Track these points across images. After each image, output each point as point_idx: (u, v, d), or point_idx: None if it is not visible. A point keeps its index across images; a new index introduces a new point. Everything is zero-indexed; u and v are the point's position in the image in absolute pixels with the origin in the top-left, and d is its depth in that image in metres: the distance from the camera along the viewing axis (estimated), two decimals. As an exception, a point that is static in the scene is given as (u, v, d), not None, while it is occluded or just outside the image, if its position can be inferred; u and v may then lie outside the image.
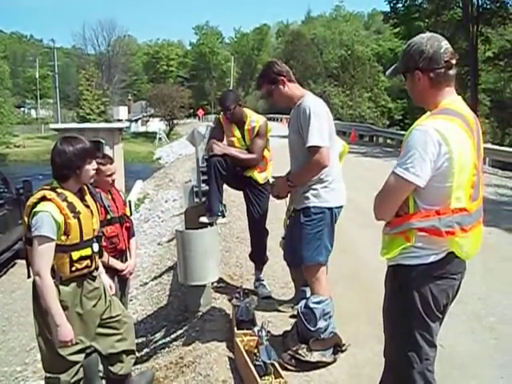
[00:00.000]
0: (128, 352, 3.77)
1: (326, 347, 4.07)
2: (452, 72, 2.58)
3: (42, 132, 58.61)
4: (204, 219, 5.17)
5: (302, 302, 4.10)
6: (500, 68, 33.23)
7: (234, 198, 10.24)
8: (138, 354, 4.90)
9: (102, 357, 3.76)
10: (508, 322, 5.01)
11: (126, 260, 4.59)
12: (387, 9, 35.77)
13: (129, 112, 65.05)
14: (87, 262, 3.37)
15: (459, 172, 2.45)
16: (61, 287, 3.28)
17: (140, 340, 5.43)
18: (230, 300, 5.31)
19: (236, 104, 5.30)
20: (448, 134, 2.41)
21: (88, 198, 3.48)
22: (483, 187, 2.72)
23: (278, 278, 6.16)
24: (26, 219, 3.28)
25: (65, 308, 3.28)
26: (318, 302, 3.99)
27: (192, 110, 66.60)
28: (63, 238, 3.22)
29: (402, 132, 29.14)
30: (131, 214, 4.87)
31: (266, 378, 3.56)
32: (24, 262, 3.53)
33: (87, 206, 3.40)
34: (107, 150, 18.55)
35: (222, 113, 5.44)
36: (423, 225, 2.48)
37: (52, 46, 69.27)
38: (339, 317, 4.35)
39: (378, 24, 78.86)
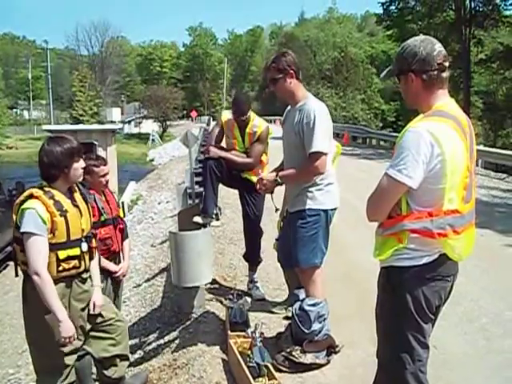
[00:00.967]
0: (121, 356, 3.76)
1: (319, 349, 4.07)
2: (445, 74, 2.59)
3: (35, 133, 58.34)
4: (198, 219, 5.16)
5: (297, 304, 4.09)
6: (492, 70, 33.33)
7: (227, 200, 10.25)
8: (131, 356, 4.90)
9: (95, 360, 3.75)
10: (500, 324, 5.03)
11: (120, 262, 4.58)
12: (380, 11, 35.91)
13: (122, 113, 65.10)
14: (75, 262, 3.34)
15: (452, 174, 2.45)
16: None
17: (133, 342, 5.42)
18: (223, 302, 5.31)
19: (250, 107, 5.34)
20: (441, 135, 2.42)
21: (78, 197, 3.47)
22: (476, 189, 2.73)
23: (271, 279, 6.16)
24: (14, 217, 3.28)
25: None
26: (313, 305, 4.00)
27: (185, 112, 66.59)
28: (49, 236, 3.21)
29: (395, 134, 29.21)
30: (124, 216, 4.86)
31: (260, 379, 3.57)
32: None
33: (76, 206, 3.39)
34: (100, 152, 18.51)
35: (232, 114, 5.36)
36: (415, 226, 2.48)
37: (45, 47, 69.35)
38: (333, 318, 4.35)
39: (371, 26, 79.01)
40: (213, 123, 24.69)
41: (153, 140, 52.02)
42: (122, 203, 14.40)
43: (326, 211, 4.05)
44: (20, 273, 3.41)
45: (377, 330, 2.79)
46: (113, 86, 76.60)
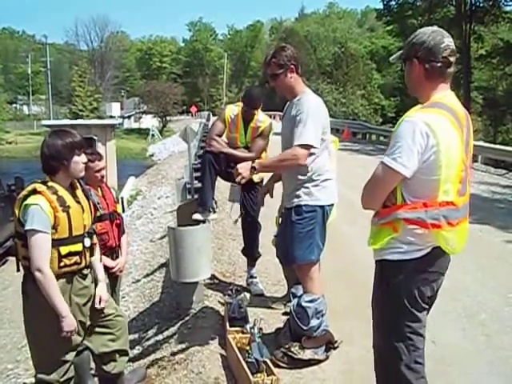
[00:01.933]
0: (121, 352, 3.76)
1: (318, 345, 4.07)
2: (449, 70, 2.61)
3: (35, 128, 58.22)
4: (197, 216, 5.15)
5: (295, 301, 4.08)
6: (493, 66, 33.35)
7: (226, 195, 10.22)
8: (130, 351, 4.90)
9: (94, 355, 3.75)
10: (498, 319, 5.03)
11: (117, 257, 4.57)
12: (380, 6, 35.91)
13: (121, 108, 64.95)
14: (76, 258, 3.34)
15: (447, 166, 2.47)
16: None
17: (132, 337, 5.42)
18: (222, 297, 5.31)
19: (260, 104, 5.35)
20: (436, 127, 2.44)
21: (79, 193, 3.46)
22: (471, 184, 2.76)
23: (270, 275, 6.16)
24: (16, 212, 3.27)
25: None
26: (311, 301, 3.98)
27: (185, 107, 66.47)
28: (52, 231, 3.20)
29: (395, 129, 29.23)
30: (123, 211, 4.85)
31: (259, 375, 3.57)
32: (15, 258, 3.51)
33: (78, 202, 3.38)
34: (100, 147, 18.53)
35: (243, 106, 5.34)
36: (410, 216, 2.50)
37: (44, 42, 68.74)
38: (331, 314, 4.35)
39: (372, 21, 78.89)
40: (213, 118, 24.64)
41: (152, 135, 52.03)
42: (122, 198, 14.45)
43: (322, 207, 4.01)
44: (21, 268, 3.40)
45: (373, 322, 2.82)
46: (112, 81, 76.54)
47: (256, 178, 5.42)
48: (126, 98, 77.52)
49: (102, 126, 20.39)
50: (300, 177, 4.00)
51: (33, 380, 4.29)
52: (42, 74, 78.57)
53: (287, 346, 4.05)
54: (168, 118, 57.61)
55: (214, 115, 39.91)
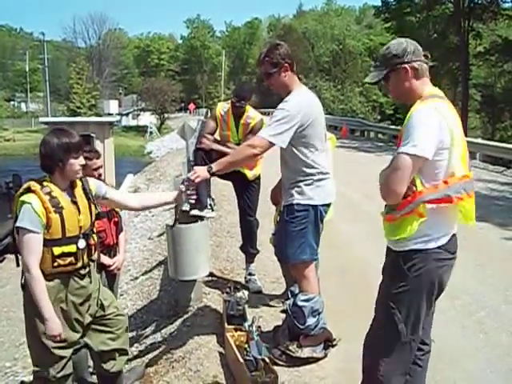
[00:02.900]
0: (121, 350, 3.75)
1: (316, 343, 4.06)
2: (427, 65, 2.85)
3: (32, 126, 58.19)
4: (195, 212, 5.14)
5: (291, 300, 4.07)
6: (491, 63, 33.34)
7: (224, 193, 10.23)
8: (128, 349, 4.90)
9: (93, 353, 3.74)
10: (497, 317, 5.04)
11: (115, 255, 4.56)
12: (379, 3, 35.82)
13: (119, 106, 64.90)
14: (71, 259, 3.31)
15: (457, 144, 2.67)
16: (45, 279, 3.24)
17: (130, 335, 5.39)
18: (220, 295, 5.30)
19: (250, 97, 5.35)
20: (443, 111, 2.66)
21: (79, 193, 3.42)
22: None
23: (268, 272, 6.15)
24: (14, 209, 3.27)
25: (50, 299, 3.25)
26: (307, 300, 3.96)
27: (183, 104, 66.43)
28: (44, 231, 3.18)
29: (393, 127, 29.24)
30: (121, 209, 4.84)
31: (257, 373, 3.56)
32: (14, 256, 3.50)
33: (74, 203, 3.35)
34: (97, 144, 18.46)
35: (233, 97, 5.34)
36: (435, 196, 2.64)
37: (42, 39, 68.57)
38: (329, 312, 4.34)
39: (370, 18, 78.71)
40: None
41: (150, 133, 51.99)
42: (120, 196, 14.40)
43: (315, 207, 3.95)
44: (21, 263, 3.40)
45: (376, 302, 3.00)
46: (110, 79, 76.42)
47: (251, 175, 5.43)
48: (123, 95, 77.44)
49: (99, 124, 20.27)
50: (294, 175, 3.98)
51: (31, 378, 4.28)
52: (39, 71, 78.60)
53: (285, 345, 4.04)
54: (166, 115, 57.55)
55: (211, 112, 39.83)
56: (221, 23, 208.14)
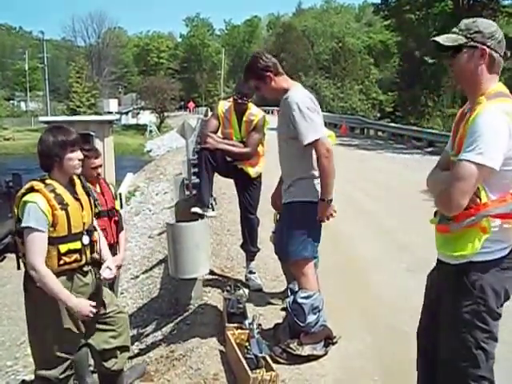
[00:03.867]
0: (122, 348, 3.75)
1: (316, 340, 4.06)
2: (502, 63, 2.57)
3: (32, 125, 58.10)
4: (196, 209, 5.14)
5: (291, 298, 4.07)
6: (490, 60, 33.29)
7: (224, 191, 10.23)
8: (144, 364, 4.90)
9: (94, 352, 3.74)
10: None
11: (116, 254, 4.56)
12: (378, 1, 35.76)
13: (119, 104, 64.84)
14: (76, 255, 3.33)
15: None
16: None
17: (131, 333, 5.38)
18: (220, 293, 5.30)
19: (252, 94, 5.34)
20: (510, 113, 2.37)
21: (79, 190, 3.44)
22: None
23: (269, 270, 6.15)
24: (15, 210, 3.27)
25: (52, 301, 3.26)
26: (306, 297, 3.96)
27: (183, 103, 66.46)
28: (50, 229, 3.19)
29: (393, 124, 29.24)
30: (122, 207, 4.84)
31: (258, 371, 3.56)
32: (14, 255, 3.50)
33: (77, 199, 3.37)
34: (97, 143, 18.48)
35: (235, 94, 5.35)
36: (501, 210, 2.41)
37: (41, 38, 68.52)
38: (330, 309, 4.34)
39: (369, 16, 78.66)
40: (210, 114, 24.64)
41: (150, 131, 51.96)
42: (120, 195, 14.43)
43: (316, 204, 3.96)
44: (22, 265, 3.40)
45: (441, 329, 2.66)
46: (110, 77, 76.36)
47: (253, 172, 5.43)
48: (123, 93, 77.43)
49: (99, 122, 20.33)
50: (294, 173, 3.99)
51: (32, 377, 4.29)
52: (39, 70, 78.41)
53: (286, 343, 4.04)
54: (166, 113, 57.51)
55: (211, 111, 39.85)
56: (220, 21, 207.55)
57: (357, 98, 48.99)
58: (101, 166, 4.51)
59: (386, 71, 56.88)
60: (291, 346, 4.01)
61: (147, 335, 5.32)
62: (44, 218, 3.15)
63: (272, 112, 33.43)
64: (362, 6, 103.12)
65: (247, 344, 3.82)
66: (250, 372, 3.49)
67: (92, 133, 18.96)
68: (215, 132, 5.40)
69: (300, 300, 3.95)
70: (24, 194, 3.22)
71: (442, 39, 2.58)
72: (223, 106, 5.48)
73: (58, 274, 3.26)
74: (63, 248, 3.25)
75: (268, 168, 5.57)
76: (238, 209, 5.82)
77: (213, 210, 5.32)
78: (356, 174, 12.85)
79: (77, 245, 3.33)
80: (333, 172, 3.87)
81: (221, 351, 4.24)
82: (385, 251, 6.76)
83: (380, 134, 28.56)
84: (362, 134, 30.10)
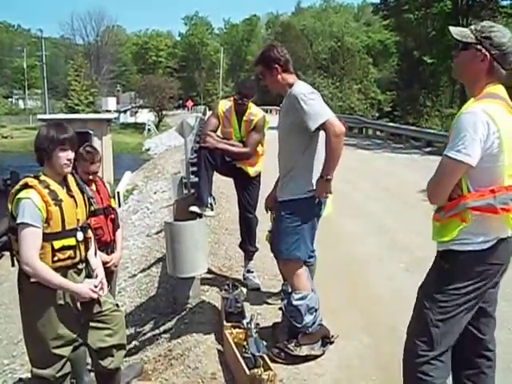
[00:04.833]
0: (118, 346, 3.74)
1: (314, 340, 4.05)
2: (508, 75, 2.67)
3: (30, 123, 58.12)
4: (195, 208, 5.13)
5: (285, 300, 4.05)
6: (489, 60, 33.35)
7: (223, 190, 10.22)
8: (127, 347, 4.89)
9: (91, 350, 3.73)
10: (496, 314, 5.02)
11: (112, 252, 4.56)
12: (377, 0, 35.87)
13: (117, 103, 64.69)
14: (70, 252, 3.32)
15: (509, 151, 2.55)
16: None
17: (128, 332, 5.40)
18: (218, 292, 5.30)
19: (253, 95, 5.34)
20: (495, 115, 2.51)
21: (73, 188, 3.44)
22: None
23: (267, 269, 6.14)
24: (9, 207, 3.26)
25: (47, 299, 3.26)
26: (301, 298, 3.93)
27: (181, 101, 66.41)
28: (44, 225, 3.18)
29: (392, 124, 29.25)
30: (120, 206, 4.84)
31: (255, 370, 3.55)
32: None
33: (71, 196, 3.37)
34: (95, 141, 18.47)
35: (236, 94, 5.33)
36: (479, 204, 2.55)
37: (40, 36, 68.40)
38: (327, 309, 4.34)
39: (368, 16, 78.77)
40: (209, 113, 24.53)
41: (148, 130, 51.95)
42: (118, 193, 14.43)
43: (312, 203, 3.93)
44: (16, 263, 3.39)
45: (415, 306, 2.87)
46: (108, 76, 76.30)
47: (252, 171, 5.42)
48: (121, 92, 77.21)
49: (97, 121, 20.35)
50: (294, 166, 3.95)
51: (29, 375, 4.27)
52: (37, 68, 78.24)
53: (284, 343, 4.04)
54: (164, 112, 57.51)
55: (210, 109, 39.85)
56: (219, 20, 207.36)
57: (355, 97, 48.94)
58: (96, 173, 4.50)
59: (385, 71, 56.99)
60: (289, 346, 4.01)
61: (145, 334, 5.32)
62: (38, 214, 3.14)
63: (270, 111, 33.44)
64: (361, 5, 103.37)
65: (245, 343, 3.82)
66: (247, 371, 3.49)
67: (90, 131, 18.95)
68: (215, 131, 5.39)
69: (295, 302, 3.93)
70: (18, 191, 3.22)
71: (454, 31, 2.73)
72: (224, 105, 5.46)
73: None
74: (57, 244, 3.24)
75: (267, 168, 5.57)
76: (236, 208, 5.82)
77: (212, 209, 5.31)
78: (354, 173, 12.84)
79: (71, 241, 3.31)
80: (339, 153, 3.85)
81: (219, 350, 4.24)
82: (383, 251, 6.76)
83: (378, 133, 28.55)
84: (360, 133, 30.09)
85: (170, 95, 55.23)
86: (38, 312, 3.29)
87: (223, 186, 10.07)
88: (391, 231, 7.83)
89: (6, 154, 41.52)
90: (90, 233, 3.55)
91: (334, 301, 4.97)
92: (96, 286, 3.37)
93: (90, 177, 4.45)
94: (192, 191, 5.94)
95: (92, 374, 4.11)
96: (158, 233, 9.53)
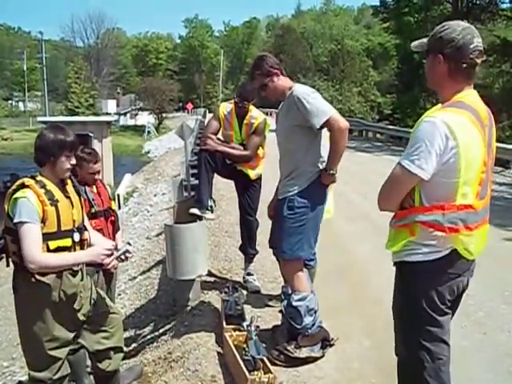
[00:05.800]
0: (116, 349, 3.74)
1: (314, 342, 4.05)
2: (474, 70, 2.53)
3: (30, 125, 58.13)
4: (195, 210, 5.13)
5: (285, 302, 4.05)
6: (489, 63, 33.32)
7: (223, 193, 10.22)
8: (126, 349, 4.88)
9: (89, 353, 3.73)
10: (496, 317, 5.03)
11: (112, 254, 4.55)
12: (377, 3, 35.91)
13: (117, 105, 64.90)
14: (66, 253, 3.33)
15: (466, 168, 2.39)
16: (38, 277, 3.22)
17: (128, 334, 5.41)
18: (218, 295, 5.29)
19: (253, 98, 5.34)
20: (457, 127, 2.36)
21: (70, 189, 3.45)
22: (491, 185, 2.67)
23: (267, 272, 6.14)
24: (6, 207, 3.26)
25: (42, 299, 3.26)
26: (301, 299, 3.94)
27: (181, 104, 66.44)
28: (40, 225, 3.18)
29: (392, 127, 29.26)
30: (120, 208, 4.84)
31: (255, 372, 3.56)
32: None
33: (68, 197, 3.37)
34: (95, 144, 18.48)
35: (236, 97, 5.33)
36: (427, 219, 2.44)
37: (40, 39, 68.51)
38: (328, 311, 4.34)
39: (368, 18, 78.83)
40: (209, 115, 24.54)
41: (148, 132, 51.99)
42: (118, 196, 14.42)
43: (315, 202, 3.95)
44: (11, 264, 3.39)
45: (394, 327, 2.75)
46: (108, 78, 76.43)
47: (253, 174, 5.42)
48: (121, 94, 77.30)
49: (97, 123, 20.36)
50: (297, 167, 3.95)
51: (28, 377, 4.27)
52: (37, 70, 78.43)
53: (283, 345, 4.04)
54: (164, 114, 57.56)
55: (210, 112, 39.90)
56: (219, 23, 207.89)
57: (355, 100, 48.98)
58: (99, 172, 4.52)
59: (385, 73, 56.94)
60: (289, 348, 4.00)
61: (144, 336, 5.31)
62: (36, 211, 3.15)
63: (270, 114, 33.38)
64: (361, 8, 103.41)
65: (245, 346, 3.81)
66: (247, 374, 3.49)
67: (90, 134, 18.95)
68: (216, 133, 5.40)
69: (295, 303, 3.94)
70: (15, 191, 3.23)
71: (413, 44, 2.71)
72: (225, 107, 5.46)
73: (47, 272, 3.25)
74: (53, 245, 3.24)
75: (268, 170, 5.57)
76: (236, 211, 5.82)
77: (212, 212, 5.30)
78: (354, 176, 12.84)
79: (67, 242, 3.31)
80: (343, 148, 3.91)
81: (218, 353, 4.23)
82: (383, 253, 6.72)
83: (378, 136, 28.60)
84: (360, 136, 30.16)
85: (169, 98, 55.32)
86: (33, 313, 3.29)
87: (223, 189, 10.07)
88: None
89: (6, 156, 41.57)
90: (86, 235, 3.54)
91: (333, 303, 4.97)
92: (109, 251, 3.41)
93: (96, 176, 4.46)
94: (192, 193, 5.94)
95: (92, 377, 4.10)
96: (157, 235, 9.52)
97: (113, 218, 4.58)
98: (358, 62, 53.14)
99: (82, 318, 3.51)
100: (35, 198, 3.17)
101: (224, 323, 4.33)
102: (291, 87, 4.03)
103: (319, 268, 4.73)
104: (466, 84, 2.53)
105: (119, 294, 6.79)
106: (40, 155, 3.31)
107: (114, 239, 4.57)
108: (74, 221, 3.37)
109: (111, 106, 59.89)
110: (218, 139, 5.39)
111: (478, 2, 31.30)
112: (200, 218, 5.14)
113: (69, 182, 3.48)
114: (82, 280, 3.49)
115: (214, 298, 5.36)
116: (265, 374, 3.55)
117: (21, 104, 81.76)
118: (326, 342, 4.16)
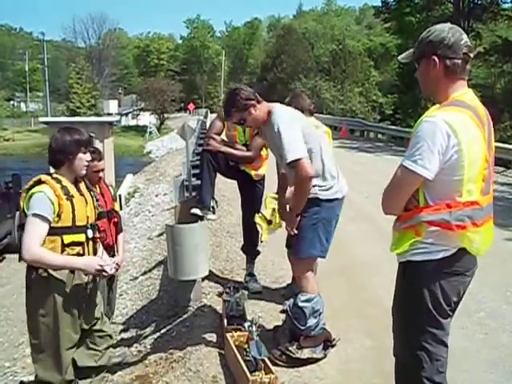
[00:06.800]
0: (100, 368, 3.72)
1: (316, 344, 4.05)
2: (468, 66, 2.55)
3: (32, 125, 58.28)
4: (196, 210, 5.12)
5: (291, 301, 4.06)
6: (491, 63, 33.31)
7: (224, 193, 10.22)
8: (127, 350, 4.90)
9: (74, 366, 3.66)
10: (497, 317, 5.03)
11: (114, 255, 4.55)
12: (379, 3, 35.91)
13: (119, 106, 64.80)
14: (79, 248, 3.35)
15: (469, 165, 2.40)
16: (51, 272, 3.25)
17: (130, 335, 5.41)
18: (220, 295, 5.29)
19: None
20: (457, 125, 2.36)
21: (83, 188, 3.53)
22: (493, 182, 2.67)
23: (268, 272, 6.15)
24: (21, 204, 3.31)
25: (55, 294, 3.27)
26: (307, 300, 3.94)
27: (183, 104, 66.40)
28: (56, 219, 3.23)
29: (393, 127, 29.30)
30: (121, 208, 4.85)
31: (257, 373, 3.56)
32: (13, 256, 3.50)
33: (81, 195, 3.45)
34: (97, 144, 18.45)
35: None
36: (433, 218, 2.43)
37: (42, 39, 68.57)
38: (329, 312, 4.33)
39: (370, 19, 78.88)
40: (210, 115, 24.54)
41: (150, 132, 51.98)
42: (119, 196, 14.42)
43: (327, 201, 3.96)
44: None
45: (393, 327, 2.74)
46: (110, 78, 76.46)
47: (256, 175, 5.41)
48: (123, 95, 77.37)
49: (99, 124, 20.30)
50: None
51: (30, 378, 4.27)
52: (39, 71, 78.57)
53: (285, 346, 4.04)
54: (166, 115, 57.52)
55: (211, 112, 39.94)
56: (221, 23, 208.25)
57: (357, 100, 48.98)
58: (103, 169, 4.53)
59: (386, 74, 56.92)
60: (290, 349, 4.00)
61: (146, 337, 5.30)
62: (50, 206, 3.20)
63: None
64: (362, 8, 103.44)
65: (246, 346, 3.81)
66: (248, 374, 3.49)
67: (92, 134, 18.93)
68: (219, 134, 5.39)
69: (301, 304, 3.94)
70: (31, 187, 3.29)
71: (400, 56, 2.76)
72: None
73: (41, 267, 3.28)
74: (67, 239, 3.29)
75: (271, 171, 5.56)
76: (237, 211, 5.82)
77: (213, 212, 5.29)
78: (356, 176, 12.81)
79: (80, 237, 3.37)
80: (304, 197, 3.82)
81: (220, 353, 4.23)
82: (385, 254, 6.71)
83: (380, 136, 28.60)
84: (361, 136, 30.15)
85: (171, 98, 55.26)
86: (44, 311, 3.31)
87: (225, 189, 10.07)
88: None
89: (8, 157, 41.61)
90: (99, 232, 3.61)
91: (335, 304, 4.96)
92: (102, 266, 3.34)
93: (100, 174, 4.48)
94: (194, 194, 5.93)
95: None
96: (159, 235, 9.52)
97: (116, 219, 4.59)
98: (359, 63, 53.17)
99: (83, 325, 3.52)
100: (52, 192, 3.23)
101: (225, 324, 4.33)
102: (269, 111, 3.95)
103: (320, 269, 4.73)
104: (461, 80, 2.54)
105: (121, 295, 6.78)
106: (58, 156, 3.38)
107: (116, 241, 4.59)
108: (87, 217, 3.44)
109: (113, 106, 59.81)
110: (222, 140, 5.38)
111: (479, 2, 31.28)
112: (201, 218, 5.14)
113: (81, 182, 3.57)
114: (92, 281, 3.52)
115: (216, 298, 5.37)
116: (266, 374, 3.56)
117: (23, 105, 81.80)
118: (327, 343, 4.16)
